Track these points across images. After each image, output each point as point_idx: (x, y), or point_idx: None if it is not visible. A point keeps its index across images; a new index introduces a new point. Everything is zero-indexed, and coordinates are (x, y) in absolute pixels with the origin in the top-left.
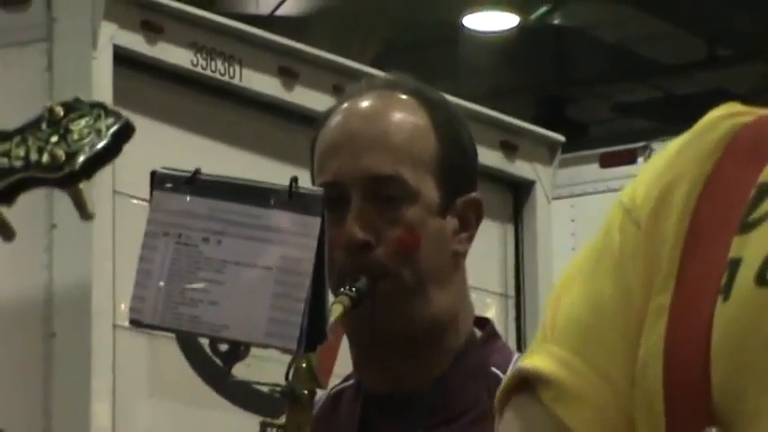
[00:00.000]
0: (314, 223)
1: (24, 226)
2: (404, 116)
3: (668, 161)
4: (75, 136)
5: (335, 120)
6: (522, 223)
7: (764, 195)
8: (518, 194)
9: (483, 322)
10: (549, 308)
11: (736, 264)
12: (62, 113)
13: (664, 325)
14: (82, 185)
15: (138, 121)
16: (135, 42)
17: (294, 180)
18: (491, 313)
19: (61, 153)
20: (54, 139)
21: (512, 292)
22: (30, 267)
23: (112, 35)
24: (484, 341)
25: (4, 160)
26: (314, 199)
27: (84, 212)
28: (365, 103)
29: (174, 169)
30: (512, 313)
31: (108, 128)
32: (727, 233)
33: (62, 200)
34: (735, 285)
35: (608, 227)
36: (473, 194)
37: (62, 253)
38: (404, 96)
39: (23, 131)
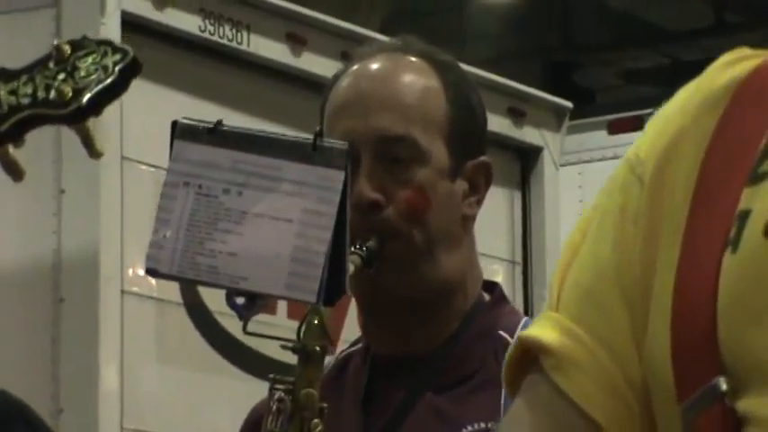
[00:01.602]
0: (337, 177)
1: (33, 191)
2: (415, 78)
3: (674, 111)
4: (83, 73)
5: (345, 81)
6: (529, 190)
7: None
8: (526, 161)
9: (491, 286)
10: (557, 272)
11: (744, 216)
12: (69, 51)
13: (672, 279)
14: (90, 123)
15: (146, 88)
16: (143, 8)
17: (318, 133)
18: (498, 280)
19: (68, 89)
20: (61, 76)
21: (519, 258)
22: (38, 233)
23: (120, 1)
24: (492, 305)
25: (12, 98)
26: (338, 152)
27: (93, 150)
28: (375, 65)
29: (195, 119)
30: (519, 280)
31: (115, 64)
32: (736, 184)
33: (71, 165)
34: (743, 237)
35: (611, 185)
36: (483, 158)
37: (71, 218)
38: (414, 59)
39: (31, 70)
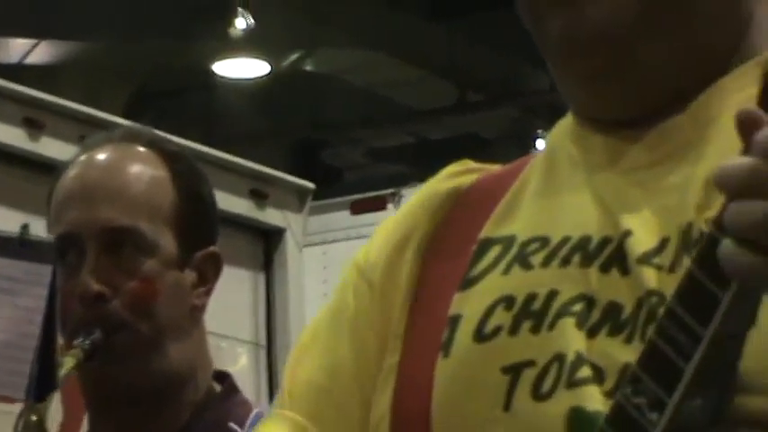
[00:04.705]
0: (45, 271)
1: None
2: (141, 168)
3: (402, 216)
4: None
5: (72, 171)
6: (273, 271)
7: (484, 251)
8: (269, 242)
9: (222, 376)
10: (287, 371)
11: (456, 320)
12: None
13: (392, 385)
14: None
15: None
16: None
17: (24, 227)
18: (243, 362)
19: None
20: None
21: (263, 341)
22: None
23: None
24: (223, 395)
25: None
26: (46, 246)
27: None
28: (102, 155)
29: None
30: (263, 362)
31: None
32: (450, 289)
33: None
34: (454, 342)
35: (343, 288)
36: (212, 248)
37: None
38: (142, 149)
39: None
